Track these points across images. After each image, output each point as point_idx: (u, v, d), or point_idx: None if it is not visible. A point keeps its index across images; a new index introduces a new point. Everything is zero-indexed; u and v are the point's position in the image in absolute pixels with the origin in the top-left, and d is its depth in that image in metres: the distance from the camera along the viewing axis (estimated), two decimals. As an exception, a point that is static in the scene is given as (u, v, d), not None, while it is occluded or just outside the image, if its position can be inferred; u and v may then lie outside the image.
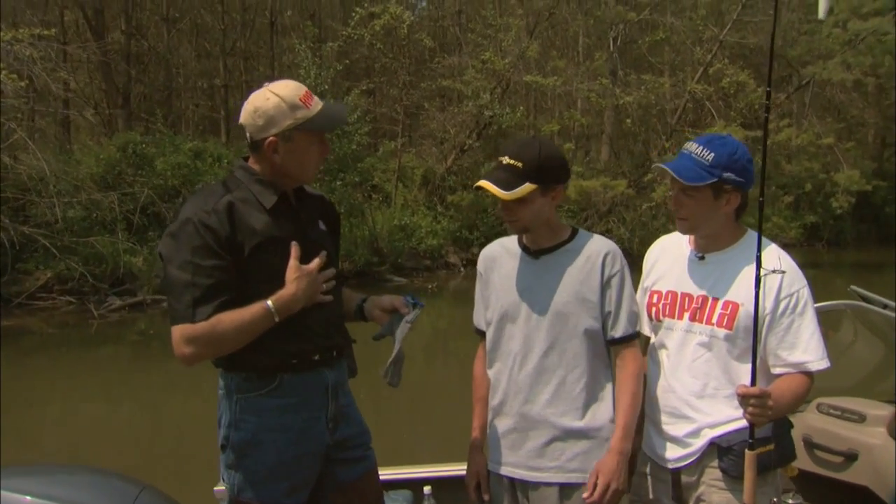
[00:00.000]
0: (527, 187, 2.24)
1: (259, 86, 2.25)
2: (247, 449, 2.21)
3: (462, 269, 20.20)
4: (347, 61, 20.99)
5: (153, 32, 24.06)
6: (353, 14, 20.67)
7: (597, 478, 2.28)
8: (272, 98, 2.16)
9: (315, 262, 2.20)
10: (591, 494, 2.27)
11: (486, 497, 2.45)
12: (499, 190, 2.23)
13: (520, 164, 2.25)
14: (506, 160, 2.28)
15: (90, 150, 17.47)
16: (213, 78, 24.41)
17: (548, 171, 2.28)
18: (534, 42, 21.44)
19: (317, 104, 2.21)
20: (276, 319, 2.12)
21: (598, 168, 21.96)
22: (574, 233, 2.42)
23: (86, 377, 10.27)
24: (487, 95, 20.44)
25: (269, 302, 2.10)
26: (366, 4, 20.89)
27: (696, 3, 25.05)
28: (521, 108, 22.11)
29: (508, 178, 2.25)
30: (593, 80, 22.31)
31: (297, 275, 2.15)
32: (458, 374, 10.38)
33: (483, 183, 2.27)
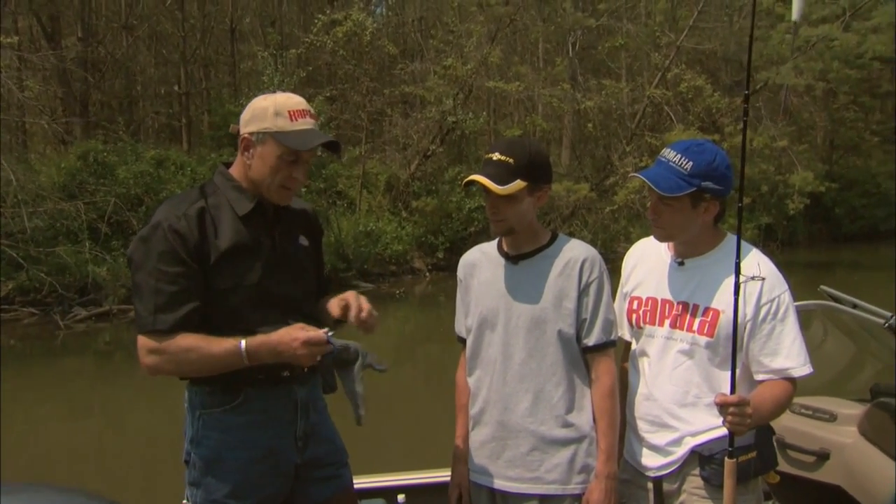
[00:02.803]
0: (518, 184, 2.21)
1: (267, 91, 2.26)
2: (209, 466, 2.15)
3: (427, 274, 20.26)
4: (310, 68, 20.95)
5: (111, 39, 23.68)
6: (315, 21, 20.66)
7: None
8: (267, 100, 2.16)
9: (310, 334, 2.04)
10: None
11: None
12: (493, 184, 2.19)
13: (511, 161, 2.22)
14: (496, 156, 2.23)
15: (49, 158, 17.17)
16: (173, 85, 24.12)
17: (537, 168, 2.26)
18: (495, 48, 21.60)
19: (303, 123, 2.14)
20: (246, 363, 2.04)
21: (560, 172, 22.21)
22: (554, 237, 2.37)
23: (50, 390, 10.07)
24: (450, 101, 20.52)
25: (243, 343, 2.03)
26: (328, 11, 20.88)
27: (652, 9, 25.55)
28: (484, 113, 22.27)
29: (500, 174, 2.21)
30: (554, 86, 22.57)
31: (293, 337, 2.03)
32: (424, 378, 10.46)
33: (477, 177, 2.22)
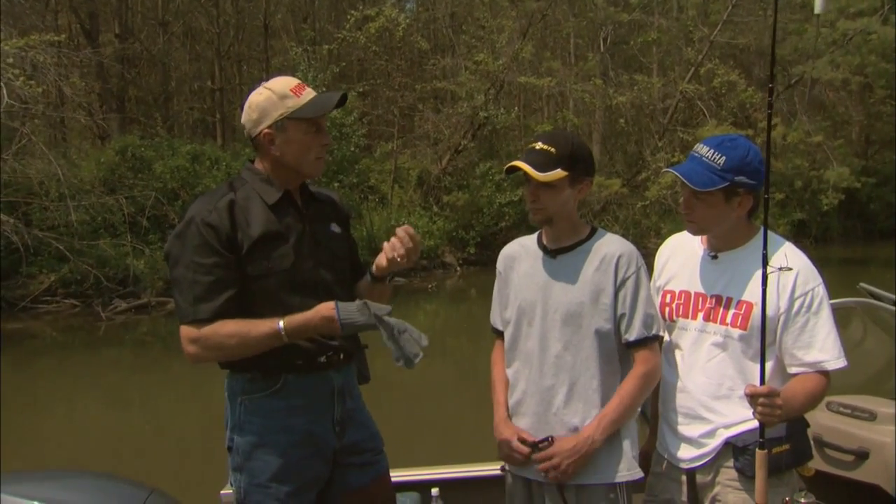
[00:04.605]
0: (559, 172, 2.24)
1: (257, 85, 2.33)
2: (252, 451, 2.22)
3: (458, 268, 20.32)
4: (343, 63, 21.10)
5: (146, 36, 24.09)
6: (348, 17, 20.81)
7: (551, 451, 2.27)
8: (264, 92, 2.23)
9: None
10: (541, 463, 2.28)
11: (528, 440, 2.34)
12: (533, 170, 2.23)
13: (553, 150, 2.25)
14: (539, 145, 2.28)
15: (89, 153, 17.50)
16: (207, 81, 24.47)
17: (578, 160, 2.29)
18: (527, 43, 21.58)
19: (308, 94, 2.23)
20: (286, 341, 2.12)
21: (592, 167, 22.14)
22: (592, 232, 2.39)
23: (90, 380, 10.31)
24: (481, 96, 20.57)
25: (282, 324, 2.10)
26: (360, 7, 21.03)
27: (685, 4, 25.34)
28: (515, 108, 22.26)
29: (542, 161, 2.24)
30: (586, 81, 22.51)
31: (327, 313, 2.11)
32: (455, 373, 10.52)
33: (518, 163, 2.26)
